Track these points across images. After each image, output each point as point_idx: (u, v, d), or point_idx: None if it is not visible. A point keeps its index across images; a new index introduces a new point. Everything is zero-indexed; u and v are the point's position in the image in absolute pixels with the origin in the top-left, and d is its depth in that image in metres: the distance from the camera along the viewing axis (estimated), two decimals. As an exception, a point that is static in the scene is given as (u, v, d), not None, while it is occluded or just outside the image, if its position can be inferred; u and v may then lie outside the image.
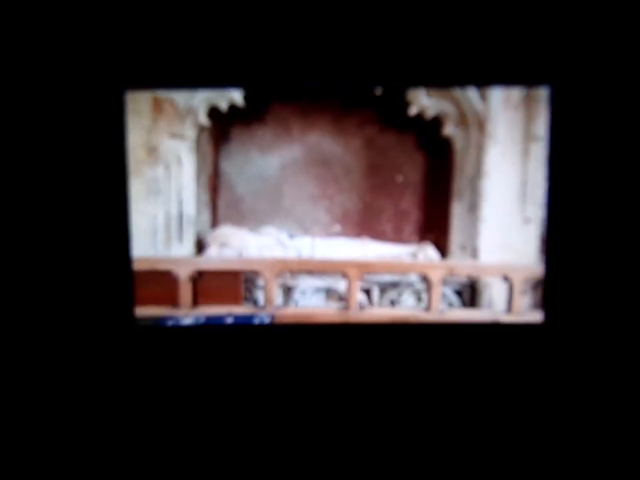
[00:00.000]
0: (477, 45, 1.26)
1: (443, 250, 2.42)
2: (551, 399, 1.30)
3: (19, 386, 1.26)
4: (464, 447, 1.29)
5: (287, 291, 2.32)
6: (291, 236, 2.48)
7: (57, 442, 1.26)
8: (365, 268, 2.14)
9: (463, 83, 1.38)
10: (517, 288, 2.19)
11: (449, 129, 2.30)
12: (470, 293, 2.32)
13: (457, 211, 2.39)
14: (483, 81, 1.34)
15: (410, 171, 2.41)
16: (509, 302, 2.17)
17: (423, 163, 2.42)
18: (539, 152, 2.18)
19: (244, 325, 1.77)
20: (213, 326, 1.66)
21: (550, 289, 1.31)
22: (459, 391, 1.34)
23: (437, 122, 2.30)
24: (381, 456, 1.29)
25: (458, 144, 2.32)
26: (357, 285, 2.12)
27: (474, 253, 2.32)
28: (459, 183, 2.36)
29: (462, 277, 2.28)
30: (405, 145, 2.40)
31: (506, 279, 2.19)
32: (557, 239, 1.29)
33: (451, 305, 2.28)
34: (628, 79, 1.22)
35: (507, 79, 1.37)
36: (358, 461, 1.28)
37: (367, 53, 1.24)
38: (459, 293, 2.34)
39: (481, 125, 2.22)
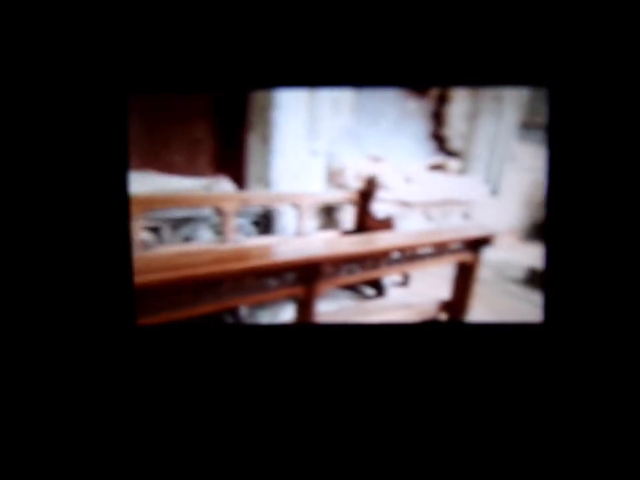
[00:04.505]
0: (475, 46, 1.27)
1: (240, 183, 2.42)
2: (551, 399, 1.33)
3: (19, 387, 1.28)
4: (463, 448, 1.30)
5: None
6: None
7: (56, 443, 1.28)
8: (147, 205, 1.98)
9: (462, 83, 1.40)
10: (306, 214, 2.35)
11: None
12: (265, 222, 2.40)
13: (253, 143, 2.39)
14: (483, 82, 1.33)
15: (201, 99, 2.29)
16: (299, 226, 2.34)
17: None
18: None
19: (246, 325, 1.74)
20: (213, 326, 1.57)
21: (550, 289, 1.32)
22: (458, 391, 1.34)
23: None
24: (380, 456, 1.30)
25: (249, 73, 2.28)
26: (139, 224, 1.96)
27: (267, 184, 2.38)
28: (253, 113, 2.34)
29: (257, 207, 2.33)
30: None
31: (296, 206, 2.32)
32: (556, 239, 1.31)
33: (248, 234, 2.33)
34: (626, 81, 1.26)
35: (504, 81, 1.37)
36: (354, 459, 1.31)
37: (367, 53, 1.27)
38: (256, 224, 2.40)
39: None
